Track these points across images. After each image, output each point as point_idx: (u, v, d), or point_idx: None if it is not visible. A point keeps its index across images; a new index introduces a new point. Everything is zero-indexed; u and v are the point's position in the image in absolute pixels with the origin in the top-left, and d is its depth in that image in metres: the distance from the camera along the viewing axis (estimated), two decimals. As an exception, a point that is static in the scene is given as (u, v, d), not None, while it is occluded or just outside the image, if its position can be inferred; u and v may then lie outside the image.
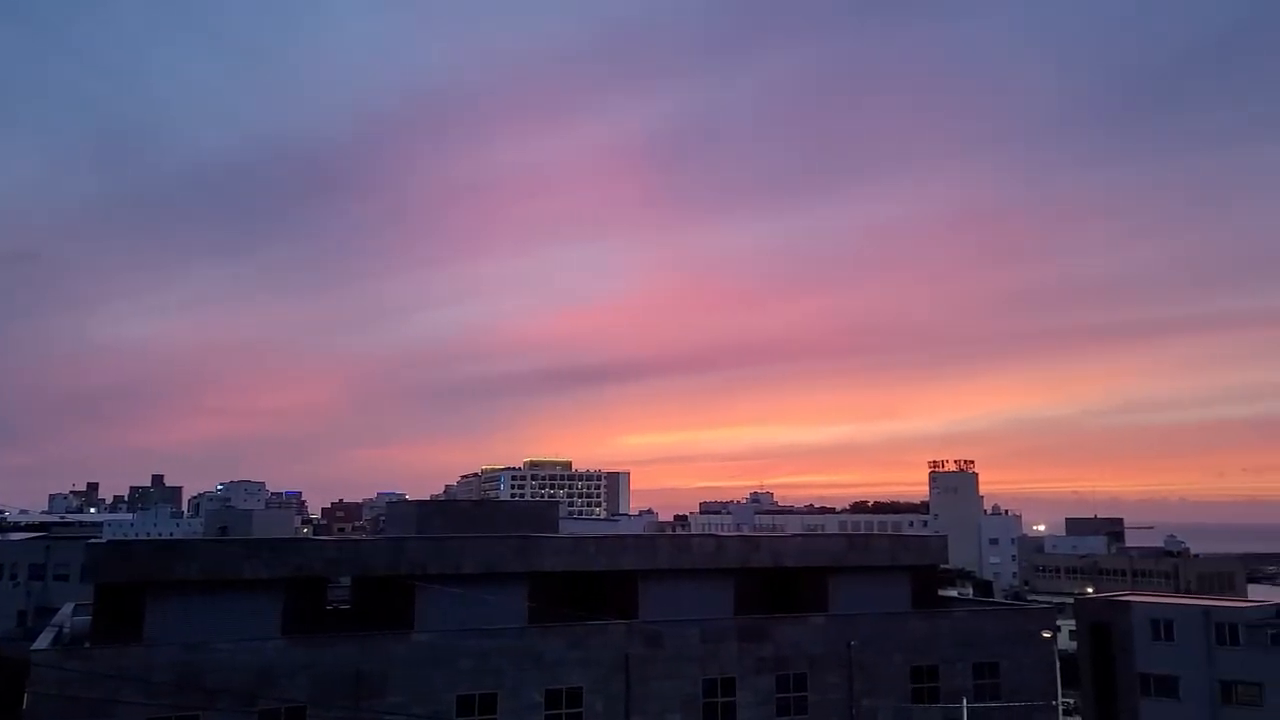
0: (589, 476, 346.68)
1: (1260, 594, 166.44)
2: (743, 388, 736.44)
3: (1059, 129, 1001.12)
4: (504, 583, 39.43)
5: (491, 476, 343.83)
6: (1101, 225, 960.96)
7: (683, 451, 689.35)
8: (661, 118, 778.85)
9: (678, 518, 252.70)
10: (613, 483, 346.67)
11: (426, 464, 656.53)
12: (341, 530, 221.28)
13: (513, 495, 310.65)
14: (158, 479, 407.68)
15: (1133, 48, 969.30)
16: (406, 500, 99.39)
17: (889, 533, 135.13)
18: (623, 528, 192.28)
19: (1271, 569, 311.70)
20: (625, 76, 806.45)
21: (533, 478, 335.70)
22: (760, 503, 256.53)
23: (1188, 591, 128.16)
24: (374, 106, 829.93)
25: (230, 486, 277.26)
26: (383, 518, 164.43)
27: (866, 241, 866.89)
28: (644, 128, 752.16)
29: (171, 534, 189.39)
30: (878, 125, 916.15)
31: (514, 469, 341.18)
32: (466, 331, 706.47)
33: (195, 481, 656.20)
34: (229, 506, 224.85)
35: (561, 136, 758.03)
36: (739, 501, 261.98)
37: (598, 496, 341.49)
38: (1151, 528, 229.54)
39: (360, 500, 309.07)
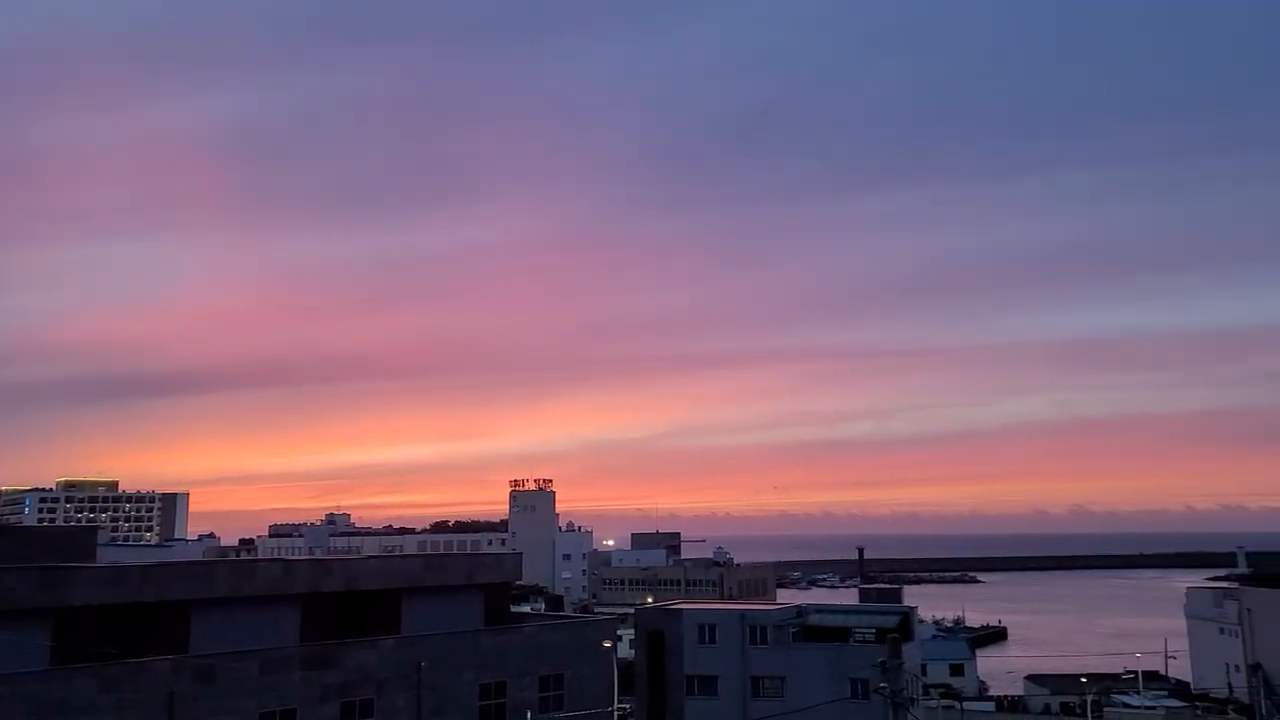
0: (140, 498, 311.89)
1: (786, 596, 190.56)
2: (320, 405, 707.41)
3: (647, 169, 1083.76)
4: (21, 621, 33.93)
5: (14, 499, 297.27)
6: (676, 262, 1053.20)
7: (252, 471, 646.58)
8: (245, 115, 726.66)
9: (243, 542, 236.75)
10: (169, 505, 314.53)
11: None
12: None
13: (41, 520, 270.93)
14: None
15: (718, 98, 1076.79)
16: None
17: (466, 552, 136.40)
18: (178, 554, 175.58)
19: (796, 574, 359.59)
20: (206, 65, 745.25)
21: (68, 500, 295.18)
22: (336, 524, 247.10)
23: (730, 597, 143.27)
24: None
25: None
26: None
27: (457, 262, 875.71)
28: (223, 123, 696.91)
29: None
30: (478, 149, 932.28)
31: (43, 490, 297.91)
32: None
33: None
34: None
35: (118, 121, 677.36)
36: (313, 524, 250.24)
37: (150, 520, 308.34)
38: (704, 541, 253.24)
39: None
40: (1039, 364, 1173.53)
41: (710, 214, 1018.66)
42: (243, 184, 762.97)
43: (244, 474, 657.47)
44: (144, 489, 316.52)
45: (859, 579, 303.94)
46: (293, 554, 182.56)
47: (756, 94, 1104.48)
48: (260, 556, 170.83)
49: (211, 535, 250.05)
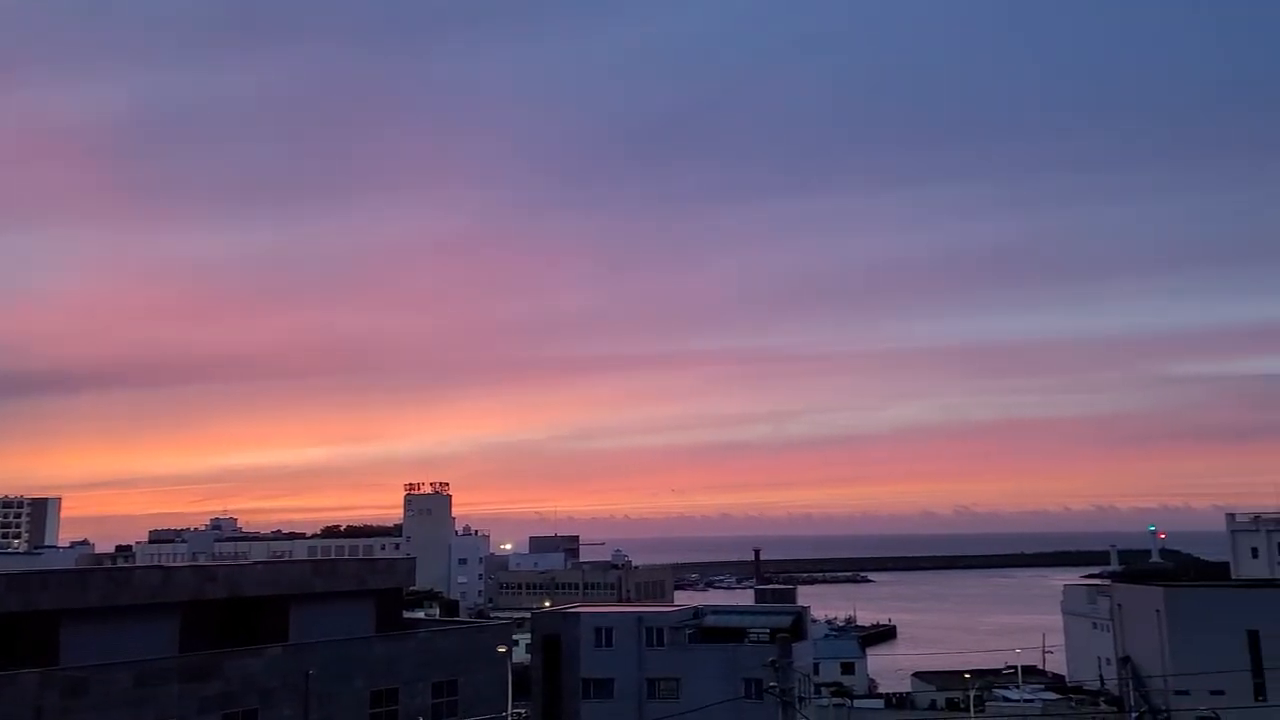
0: (6, 504, 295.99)
1: (684, 598, 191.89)
2: (207, 405, 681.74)
3: (550, 171, 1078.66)
4: None
5: None
6: (576, 265, 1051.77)
7: (132, 474, 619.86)
8: (127, 108, 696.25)
9: (120, 548, 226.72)
10: (39, 510, 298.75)
11: None
12: None
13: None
14: None
15: (622, 101, 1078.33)
16: None
17: (358, 557, 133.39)
18: (47, 562, 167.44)
19: (694, 576, 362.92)
20: (88, 56, 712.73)
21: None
22: (222, 529, 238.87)
23: (628, 600, 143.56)
24: None
25: None
26: None
27: (351, 260, 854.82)
28: (104, 115, 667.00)
29: None
30: (377, 147, 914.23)
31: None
32: None
33: None
34: None
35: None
36: (197, 529, 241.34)
37: (18, 527, 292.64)
38: (603, 543, 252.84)
39: None
40: (929, 370, 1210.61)
41: (612, 217, 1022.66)
42: (126, 178, 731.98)
43: (123, 477, 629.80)
44: (11, 494, 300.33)
45: (755, 580, 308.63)
46: (174, 560, 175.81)
47: (659, 99, 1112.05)
48: (138, 563, 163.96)
49: (85, 542, 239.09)
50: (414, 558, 59.59)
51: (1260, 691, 66.71)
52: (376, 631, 45.21)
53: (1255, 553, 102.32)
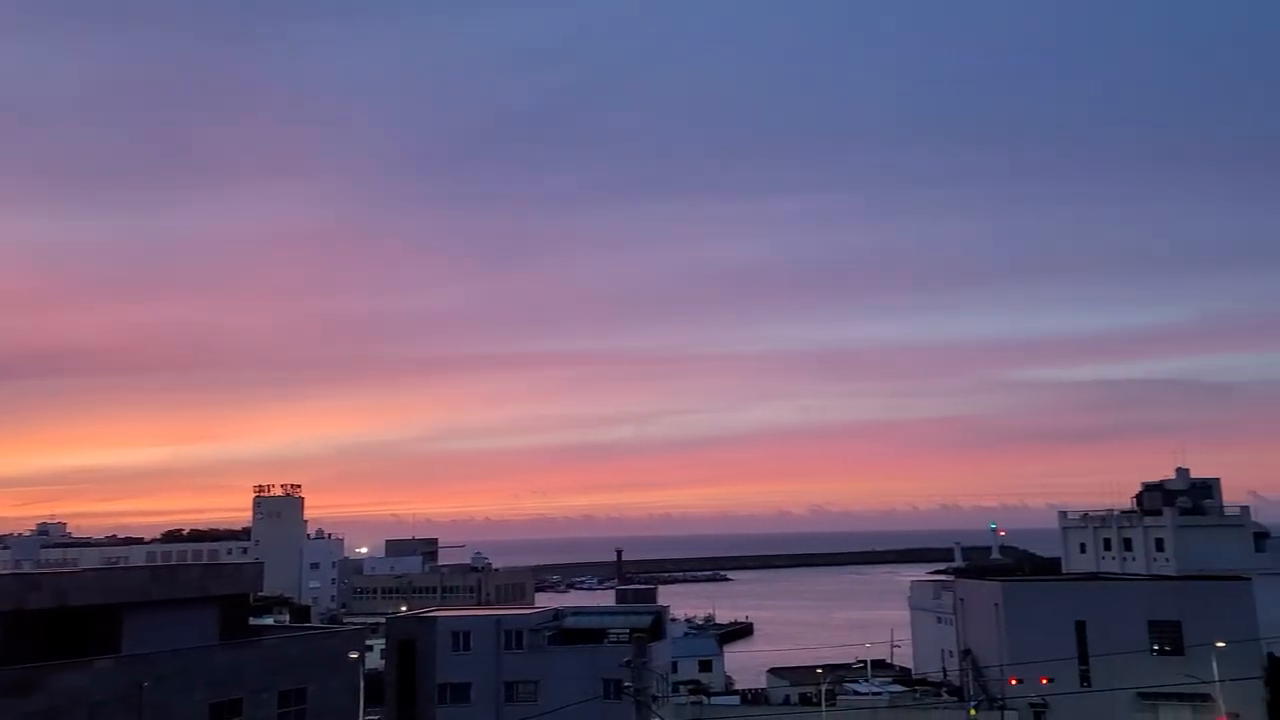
0: None
1: (545, 600, 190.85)
2: (34, 403, 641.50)
3: (412, 166, 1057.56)
4: None
5: None
6: (439, 263, 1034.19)
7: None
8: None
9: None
10: None
11: None
12: None
13: None
14: None
15: (493, 99, 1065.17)
16: None
17: (202, 562, 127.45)
18: None
19: (555, 577, 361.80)
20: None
21: None
22: (50, 535, 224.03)
23: (488, 603, 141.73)
24: None
25: None
26: None
27: (196, 252, 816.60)
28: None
29: None
30: (227, 136, 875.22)
31: None
32: None
33: None
34: None
35: None
36: (21, 534, 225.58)
37: None
38: (463, 546, 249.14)
39: None
40: (787, 373, 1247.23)
41: (475, 215, 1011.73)
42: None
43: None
44: None
45: (617, 581, 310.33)
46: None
47: (531, 98, 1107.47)
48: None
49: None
50: (262, 562, 57.34)
51: (1085, 679, 71.01)
52: (220, 640, 43.26)
53: (1083, 548, 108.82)
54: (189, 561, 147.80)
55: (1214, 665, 65.71)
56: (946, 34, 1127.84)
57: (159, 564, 67.99)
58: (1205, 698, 67.14)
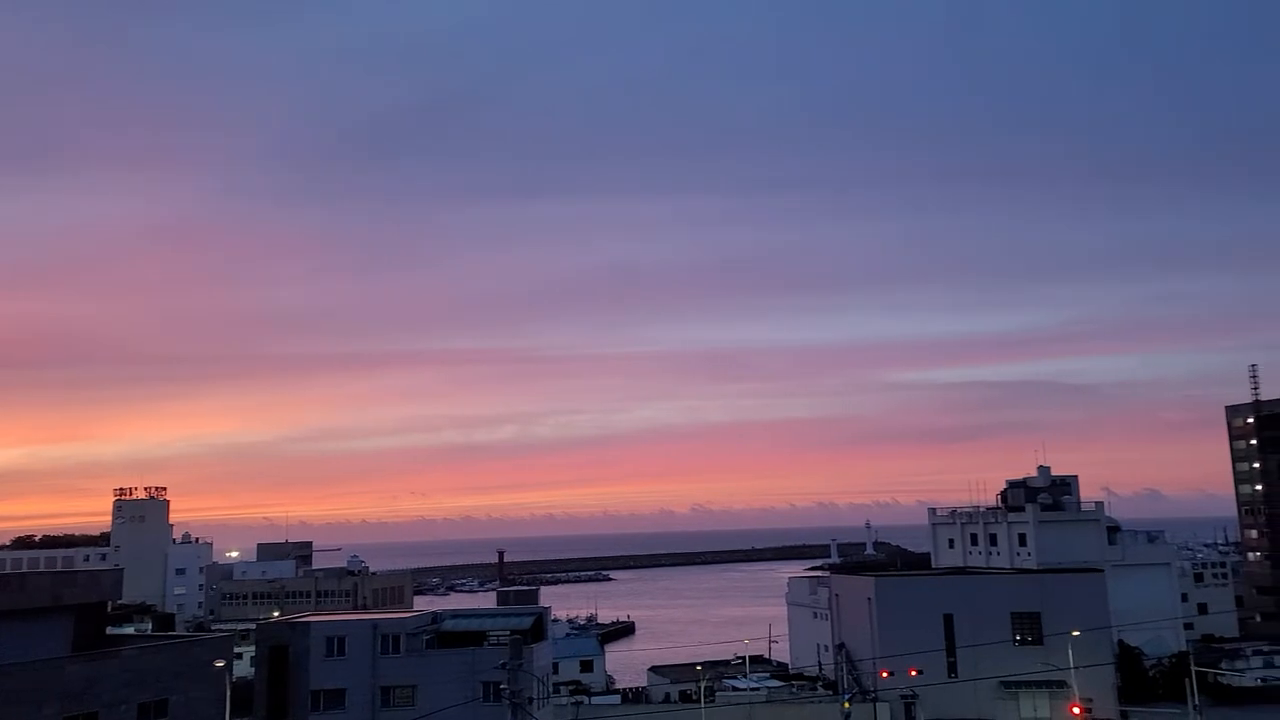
0: None
1: (424, 603, 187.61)
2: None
3: (289, 162, 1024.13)
4: None
5: None
6: (314, 259, 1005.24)
7: None
8: None
9: None
10: None
11: None
12: None
13: None
14: None
15: (379, 94, 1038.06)
16: None
17: (54, 569, 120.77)
18: None
19: (435, 580, 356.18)
20: None
21: None
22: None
23: (364, 607, 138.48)
24: None
25: None
26: None
27: (59, 245, 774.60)
28: None
29: None
30: (88, 121, 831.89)
31: None
32: None
33: None
34: None
35: None
36: None
37: None
38: (339, 549, 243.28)
39: None
40: (669, 373, 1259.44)
41: (356, 212, 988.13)
42: None
43: None
44: None
45: (499, 582, 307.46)
46: None
47: (411, 97, 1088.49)
48: None
49: None
50: (122, 569, 54.51)
51: (953, 669, 73.81)
52: (74, 651, 40.89)
53: (951, 543, 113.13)
54: (41, 569, 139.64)
55: (1069, 653, 69.26)
56: (831, 37, 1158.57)
57: (6, 572, 64.06)
58: (1061, 684, 70.70)
